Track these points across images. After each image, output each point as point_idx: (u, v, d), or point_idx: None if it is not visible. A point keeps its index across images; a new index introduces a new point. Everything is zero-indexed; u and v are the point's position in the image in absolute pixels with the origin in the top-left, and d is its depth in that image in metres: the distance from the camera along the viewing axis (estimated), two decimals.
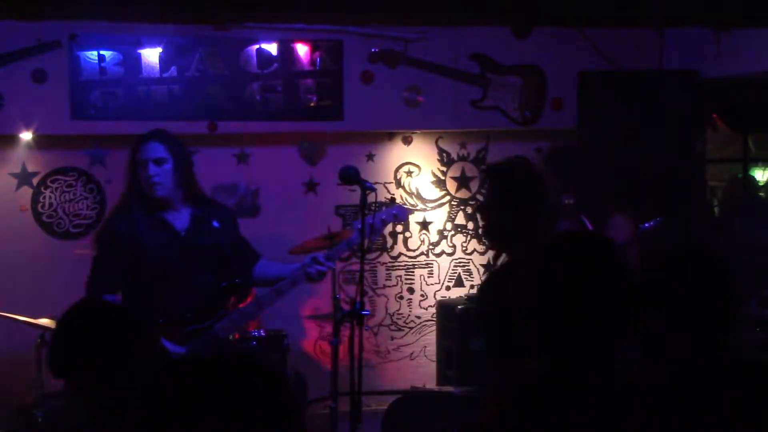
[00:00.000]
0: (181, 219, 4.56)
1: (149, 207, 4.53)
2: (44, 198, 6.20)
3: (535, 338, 2.01)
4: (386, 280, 6.69)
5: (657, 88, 6.37)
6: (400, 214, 4.97)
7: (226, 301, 4.67)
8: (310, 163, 6.44)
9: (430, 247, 6.82)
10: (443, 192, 6.82)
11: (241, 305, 4.81)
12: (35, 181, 6.19)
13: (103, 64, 6.03)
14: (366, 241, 4.56)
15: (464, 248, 6.85)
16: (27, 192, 6.18)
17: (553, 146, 5.57)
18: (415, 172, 6.76)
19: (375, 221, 4.71)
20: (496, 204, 3.71)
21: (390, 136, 6.71)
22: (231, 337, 4.56)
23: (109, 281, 4.54)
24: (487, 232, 3.88)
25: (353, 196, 5.96)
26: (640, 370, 2.19)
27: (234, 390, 1.68)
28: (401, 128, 6.66)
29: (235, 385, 1.69)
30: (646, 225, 5.44)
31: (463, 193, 6.84)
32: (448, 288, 6.80)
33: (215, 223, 4.62)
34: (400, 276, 6.73)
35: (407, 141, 6.72)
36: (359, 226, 4.58)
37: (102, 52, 6.03)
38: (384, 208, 5.35)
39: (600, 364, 1.96)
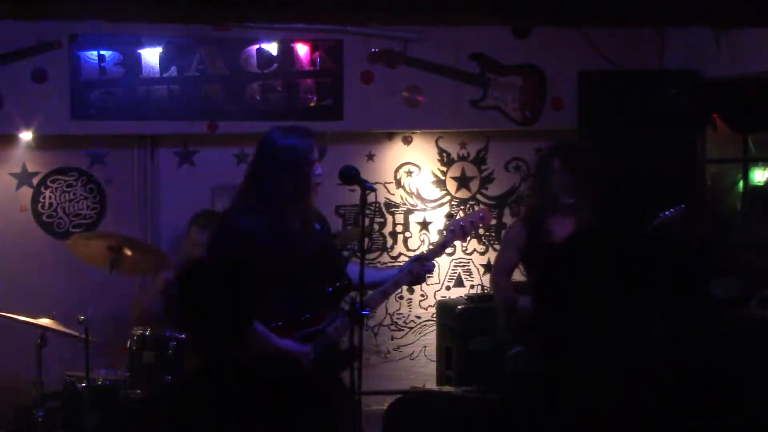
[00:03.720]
0: (294, 222, 4.46)
1: (272, 209, 4.40)
2: (44, 198, 6.20)
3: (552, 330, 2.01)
4: None
5: (657, 88, 6.37)
6: (485, 216, 5.06)
7: (336, 303, 4.60)
8: None
9: (430, 247, 6.81)
10: (443, 192, 6.82)
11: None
12: (35, 181, 6.19)
13: (103, 64, 6.03)
14: (366, 241, 4.60)
15: (464, 248, 6.85)
16: (27, 192, 6.18)
17: (557, 142, 5.57)
18: (415, 172, 6.76)
19: (465, 224, 4.82)
20: None
21: (390, 136, 6.71)
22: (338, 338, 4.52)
23: None
24: None
25: (353, 196, 5.96)
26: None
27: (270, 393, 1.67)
28: (401, 128, 6.66)
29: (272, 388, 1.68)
30: (667, 213, 5.41)
31: (463, 193, 6.84)
32: (448, 288, 6.80)
33: (317, 226, 4.55)
34: None
35: (407, 141, 6.72)
36: (453, 228, 4.77)
37: (102, 52, 6.03)
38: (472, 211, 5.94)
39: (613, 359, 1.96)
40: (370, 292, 4.64)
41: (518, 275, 5.55)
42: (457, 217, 5.16)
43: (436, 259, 4.88)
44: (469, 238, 6.43)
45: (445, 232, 5.43)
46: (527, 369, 4.84)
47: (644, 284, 1.99)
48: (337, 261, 4.69)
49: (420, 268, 4.59)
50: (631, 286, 1.98)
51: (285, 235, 4.38)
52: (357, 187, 4.51)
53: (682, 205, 5.43)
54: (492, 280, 5.78)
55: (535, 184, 5.42)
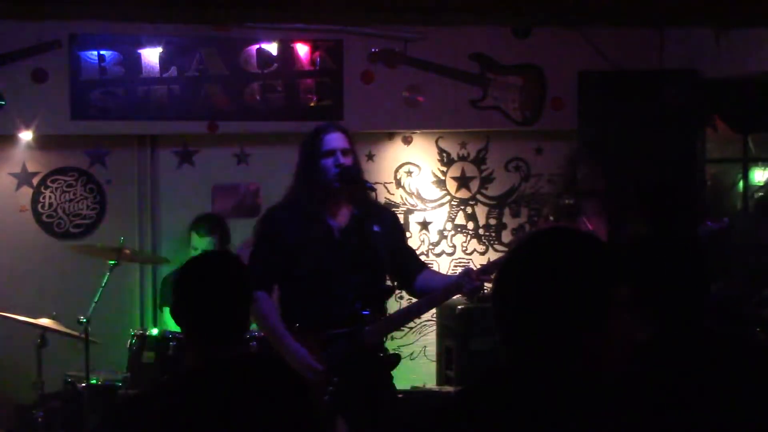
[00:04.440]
0: (339, 218, 4.33)
1: (312, 203, 4.29)
2: (44, 198, 6.20)
3: (504, 327, 2.02)
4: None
5: (657, 88, 6.36)
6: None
7: (375, 306, 4.36)
8: None
9: (430, 247, 6.82)
10: (443, 192, 6.82)
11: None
12: (35, 181, 6.19)
13: (103, 64, 6.04)
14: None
15: (464, 248, 6.85)
16: (27, 192, 6.18)
17: (585, 142, 5.60)
18: (415, 172, 6.76)
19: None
20: None
21: (390, 136, 6.71)
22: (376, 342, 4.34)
23: (264, 277, 4.23)
24: None
25: None
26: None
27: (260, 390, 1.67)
28: (401, 128, 6.66)
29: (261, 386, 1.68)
30: (712, 225, 5.39)
31: (463, 193, 6.84)
32: None
33: (375, 227, 4.31)
34: None
35: (407, 141, 6.72)
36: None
37: (102, 52, 6.04)
38: None
39: (566, 356, 1.96)
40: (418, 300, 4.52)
41: None
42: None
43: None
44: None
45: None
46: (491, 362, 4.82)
47: (596, 286, 2.00)
48: (400, 266, 4.49)
49: (470, 283, 4.32)
50: (585, 286, 1.98)
51: (319, 231, 4.27)
52: None
53: (726, 219, 5.40)
54: None
55: (566, 184, 5.45)
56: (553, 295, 1.94)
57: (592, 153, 5.36)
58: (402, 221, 6.71)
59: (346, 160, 4.28)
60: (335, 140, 4.29)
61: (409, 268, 4.53)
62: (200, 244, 5.88)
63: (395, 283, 4.53)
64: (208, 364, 1.80)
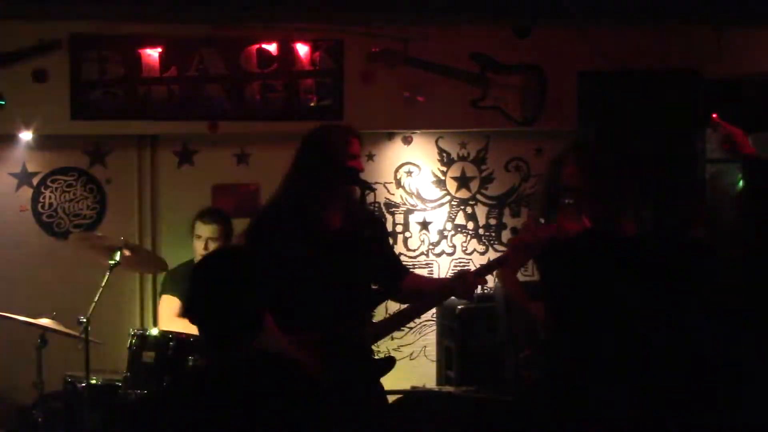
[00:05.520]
0: (337, 220, 4.32)
1: (316, 205, 4.26)
2: (44, 198, 6.20)
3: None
4: None
5: (657, 87, 6.36)
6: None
7: (369, 310, 4.42)
8: None
9: (430, 247, 6.82)
10: (443, 192, 6.82)
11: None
12: (35, 181, 6.19)
13: (103, 64, 6.03)
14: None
15: (464, 248, 6.85)
16: (27, 192, 6.18)
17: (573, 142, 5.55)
18: (415, 172, 6.76)
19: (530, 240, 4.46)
20: None
21: (390, 136, 6.71)
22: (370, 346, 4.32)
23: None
24: None
25: None
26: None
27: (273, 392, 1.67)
28: (401, 128, 6.66)
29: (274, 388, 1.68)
30: None
31: (463, 193, 6.84)
32: None
33: (365, 231, 4.30)
34: None
35: (407, 141, 6.72)
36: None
37: (102, 52, 6.03)
38: None
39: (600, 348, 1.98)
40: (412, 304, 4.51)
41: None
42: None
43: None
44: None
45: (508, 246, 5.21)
46: (536, 374, 4.78)
47: (646, 284, 2.02)
48: (386, 271, 4.45)
49: (465, 286, 4.28)
50: (636, 286, 2.00)
51: (314, 234, 4.25)
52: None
53: None
54: (501, 277, 5.65)
55: (548, 184, 5.42)
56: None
57: (578, 152, 5.33)
58: (402, 221, 6.76)
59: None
60: (356, 144, 4.34)
61: (395, 272, 4.52)
62: (204, 231, 5.87)
63: (380, 288, 4.52)
64: (216, 364, 1.80)
